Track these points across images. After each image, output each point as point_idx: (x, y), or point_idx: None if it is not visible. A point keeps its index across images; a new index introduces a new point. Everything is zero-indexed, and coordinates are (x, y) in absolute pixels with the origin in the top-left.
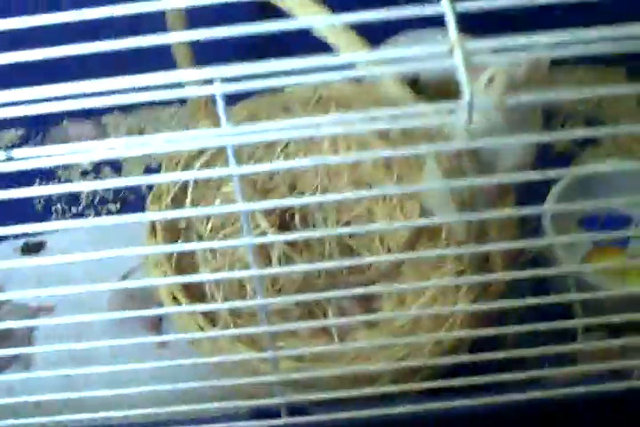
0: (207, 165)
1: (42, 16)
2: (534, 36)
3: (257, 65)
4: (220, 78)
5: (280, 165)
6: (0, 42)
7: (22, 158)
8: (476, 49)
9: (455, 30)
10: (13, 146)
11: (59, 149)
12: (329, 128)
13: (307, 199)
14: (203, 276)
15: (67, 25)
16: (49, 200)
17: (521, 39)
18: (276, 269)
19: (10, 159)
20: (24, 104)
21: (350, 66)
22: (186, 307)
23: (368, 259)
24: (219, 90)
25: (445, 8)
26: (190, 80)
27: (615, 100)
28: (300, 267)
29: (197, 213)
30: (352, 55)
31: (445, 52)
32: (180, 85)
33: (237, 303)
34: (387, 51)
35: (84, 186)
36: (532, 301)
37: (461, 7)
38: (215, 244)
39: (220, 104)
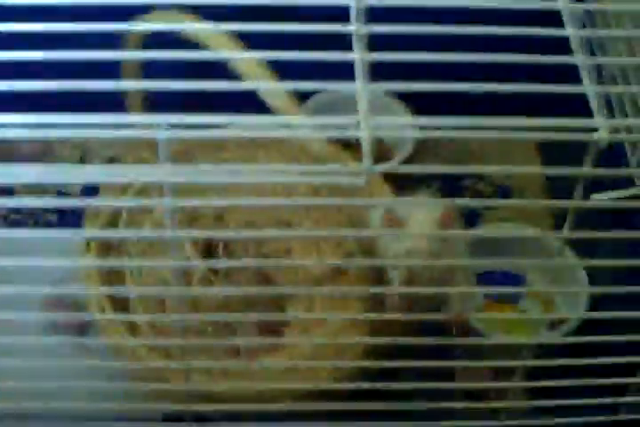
0: (143, 190)
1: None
2: (437, 119)
3: (198, 117)
4: (165, 125)
5: (209, 202)
6: None
7: None
8: (380, 124)
9: (365, 105)
10: None
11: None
12: (253, 177)
13: (229, 234)
14: (128, 290)
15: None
16: None
17: (422, 120)
18: (196, 292)
19: None
20: None
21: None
22: (109, 315)
23: (279, 289)
24: (163, 136)
25: (358, 86)
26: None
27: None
28: (217, 290)
29: (129, 234)
30: (283, 118)
31: (354, 123)
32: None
33: (156, 316)
34: (310, 118)
35: (21, 202)
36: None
37: (374, 85)
38: (143, 264)
39: (162, 148)
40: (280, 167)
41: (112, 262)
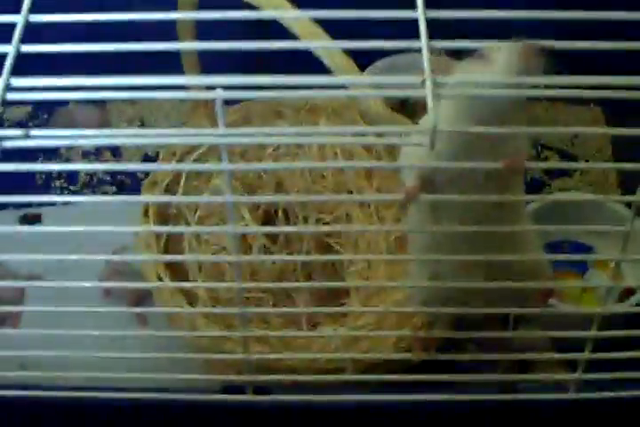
0: (201, 158)
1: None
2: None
3: (255, 78)
4: (222, 86)
5: (267, 166)
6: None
7: (38, 137)
8: (444, 83)
9: (428, 65)
10: (21, 122)
11: (68, 133)
12: (313, 138)
13: (288, 197)
14: (185, 257)
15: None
16: (49, 177)
17: (487, 76)
18: (253, 257)
19: (27, 137)
20: (39, 90)
21: (339, 86)
22: (167, 283)
23: (341, 256)
24: (219, 96)
25: (422, 43)
26: (194, 84)
27: (588, 137)
28: (276, 257)
29: (188, 200)
30: (341, 78)
31: (418, 83)
32: (183, 87)
33: (214, 284)
34: (369, 78)
35: (84, 166)
36: (488, 310)
37: (438, 44)
38: (201, 229)
39: (219, 109)
40: (340, 129)
41: (170, 229)
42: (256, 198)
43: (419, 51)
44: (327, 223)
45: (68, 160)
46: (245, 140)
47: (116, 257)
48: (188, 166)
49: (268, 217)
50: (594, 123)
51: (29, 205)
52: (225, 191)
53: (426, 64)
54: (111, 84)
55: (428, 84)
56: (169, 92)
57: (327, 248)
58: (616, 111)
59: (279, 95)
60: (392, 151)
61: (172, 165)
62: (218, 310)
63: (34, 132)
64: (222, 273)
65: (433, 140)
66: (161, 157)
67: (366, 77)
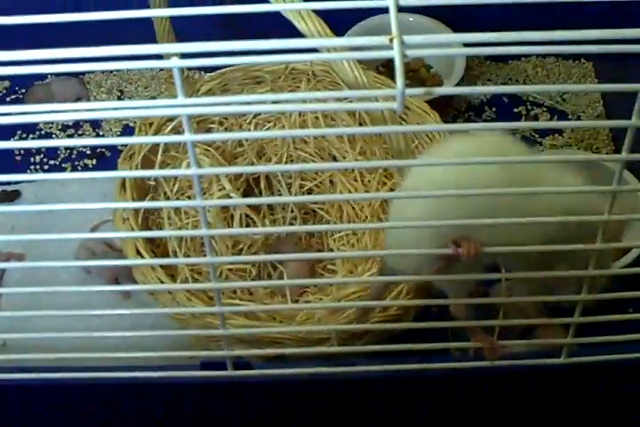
0: (176, 129)
1: None
2: (468, 35)
3: (218, 44)
4: (178, 54)
5: (229, 135)
6: None
7: (5, 114)
8: (413, 43)
9: (395, 24)
10: None
11: (41, 108)
12: (280, 106)
13: (265, 168)
14: (161, 233)
15: None
16: (28, 152)
17: (454, 37)
18: (227, 231)
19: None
20: (12, 65)
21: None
22: (146, 260)
23: (321, 226)
24: (175, 64)
25: (389, 2)
26: (162, 53)
27: (579, 93)
28: (252, 230)
29: (159, 174)
30: (309, 41)
31: (386, 43)
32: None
33: (189, 260)
34: (336, 39)
35: (60, 142)
36: (476, 276)
37: (404, 1)
38: (172, 204)
39: (177, 77)
40: (313, 95)
41: (142, 204)
42: (226, 170)
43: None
44: (310, 189)
45: (47, 134)
46: (206, 109)
47: (92, 235)
48: (152, 139)
49: (251, 185)
50: (584, 78)
51: (8, 182)
52: (200, 162)
53: (393, 23)
54: (77, 55)
55: (396, 43)
56: (132, 61)
57: (312, 214)
58: (606, 65)
59: (245, 61)
60: (371, 115)
61: (138, 139)
62: (193, 285)
63: (3, 108)
64: (204, 244)
65: (402, 103)
66: (137, 128)
67: (334, 39)
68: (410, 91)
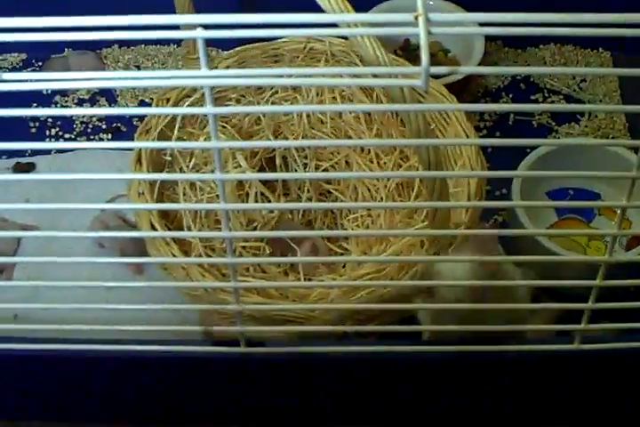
0: (193, 105)
1: None
2: (492, 15)
3: (242, 16)
4: (204, 24)
5: (251, 108)
6: None
7: (16, 80)
8: (438, 21)
9: (422, 2)
10: (14, 69)
11: (53, 75)
12: (304, 80)
13: (279, 143)
14: (177, 205)
15: None
16: (44, 125)
17: (479, 16)
18: (241, 205)
19: (2, 81)
20: (30, 31)
21: (331, 25)
22: (160, 233)
23: (337, 204)
24: (200, 35)
25: None
26: (184, 24)
27: (597, 82)
28: (267, 205)
29: (177, 145)
30: (331, 16)
31: (411, 20)
32: (176, 28)
33: (204, 234)
34: (360, 15)
35: (75, 111)
36: (486, 258)
37: None
38: (189, 177)
39: (201, 48)
40: (333, 70)
41: (159, 176)
42: (246, 144)
43: None
44: (326, 170)
45: (63, 107)
46: (229, 81)
47: (107, 206)
48: (173, 110)
49: (266, 164)
50: (602, 67)
51: (23, 154)
52: (212, 136)
53: (419, 1)
54: (93, 24)
55: (421, 20)
56: (154, 31)
57: (326, 195)
58: (625, 55)
59: (266, 33)
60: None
61: (160, 109)
62: (208, 259)
63: (5, 75)
64: (217, 221)
65: (426, 81)
66: (154, 103)
67: (359, 15)
68: (434, 68)
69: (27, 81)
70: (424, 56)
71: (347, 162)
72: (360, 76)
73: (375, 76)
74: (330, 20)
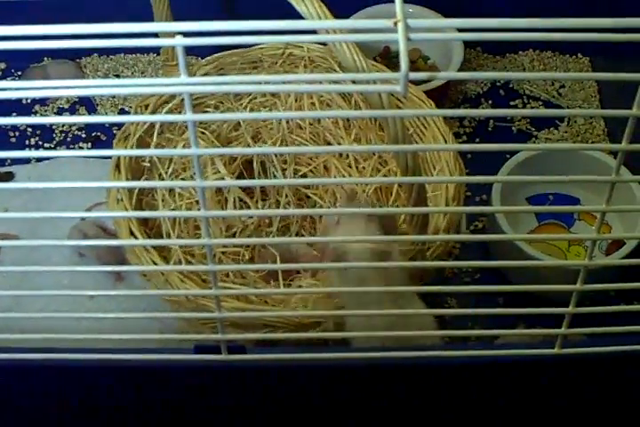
0: (171, 111)
1: None
2: (471, 20)
3: (221, 23)
4: (183, 32)
5: (231, 115)
6: None
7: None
8: (417, 27)
9: (401, 8)
10: None
11: (26, 84)
12: (283, 86)
13: (262, 149)
14: (157, 213)
15: None
16: (23, 134)
17: (457, 22)
18: (225, 213)
19: None
20: (8, 40)
21: (311, 31)
22: (140, 241)
23: (317, 210)
24: (180, 43)
25: None
26: (162, 31)
27: (575, 88)
28: (247, 212)
29: (156, 153)
30: (312, 22)
31: (390, 26)
32: (154, 36)
33: (185, 241)
34: (340, 21)
35: (54, 119)
36: (465, 264)
37: None
38: (169, 184)
39: (181, 56)
40: (313, 76)
41: (138, 183)
42: (226, 150)
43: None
44: (305, 175)
45: (42, 117)
46: (208, 88)
47: (87, 214)
48: (153, 117)
49: (245, 168)
50: (581, 73)
51: (2, 164)
52: (191, 143)
53: (398, 7)
54: (74, 31)
55: (400, 26)
56: (133, 39)
57: (305, 199)
58: (604, 61)
59: (245, 40)
60: (369, 100)
61: (139, 117)
62: (188, 267)
63: None
64: (197, 226)
65: (406, 86)
66: (133, 110)
67: (337, 21)
68: (413, 74)
69: (7, 89)
70: (403, 61)
71: (325, 167)
72: (339, 82)
73: (354, 82)
74: (309, 26)
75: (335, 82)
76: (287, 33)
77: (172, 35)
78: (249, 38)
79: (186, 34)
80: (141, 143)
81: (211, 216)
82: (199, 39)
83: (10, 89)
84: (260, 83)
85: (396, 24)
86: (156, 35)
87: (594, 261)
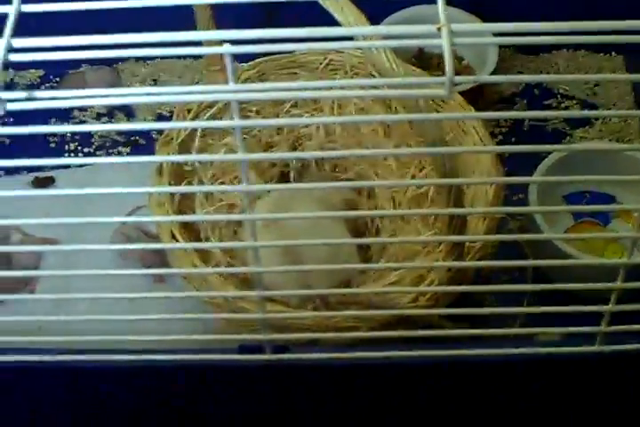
0: (214, 116)
1: None
2: (513, 24)
3: (265, 31)
4: (231, 40)
5: (279, 121)
6: None
7: (42, 99)
8: (461, 31)
9: (443, 13)
10: (32, 85)
11: (76, 93)
12: (328, 92)
13: (302, 154)
14: (200, 216)
15: None
16: (63, 140)
17: (503, 26)
18: (267, 215)
19: (31, 99)
20: (51, 50)
21: (350, 38)
22: (181, 244)
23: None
24: (228, 50)
25: None
26: (207, 39)
27: (610, 86)
28: (290, 215)
29: (201, 158)
30: (353, 29)
31: (434, 31)
32: (198, 44)
33: (231, 244)
34: (381, 27)
35: (96, 127)
36: (504, 264)
37: None
38: (214, 188)
39: (229, 64)
40: (355, 82)
41: (182, 188)
42: (273, 155)
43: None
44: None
45: (81, 122)
46: (256, 95)
47: (127, 219)
48: (199, 124)
49: (283, 176)
50: (615, 71)
51: (42, 168)
52: (238, 149)
53: (441, 12)
54: (119, 41)
55: (445, 32)
56: (179, 48)
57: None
58: (637, 59)
59: (289, 48)
60: (408, 107)
61: (185, 123)
62: (235, 269)
63: (38, 93)
64: (235, 230)
65: (451, 90)
66: (175, 115)
67: (377, 27)
68: (459, 78)
69: (59, 99)
70: (448, 67)
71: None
72: (380, 87)
73: (397, 87)
74: (351, 33)
75: (376, 87)
76: (327, 40)
77: (216, 42)
78: (292, 46)
79: (231, 41)
80: (184, 148)
81: (256, 219)
82: (245, 47)
83: (61, 98)
84: (308, 89)
85: (439, 29)
86: (199, 42)
87: (634, 260)
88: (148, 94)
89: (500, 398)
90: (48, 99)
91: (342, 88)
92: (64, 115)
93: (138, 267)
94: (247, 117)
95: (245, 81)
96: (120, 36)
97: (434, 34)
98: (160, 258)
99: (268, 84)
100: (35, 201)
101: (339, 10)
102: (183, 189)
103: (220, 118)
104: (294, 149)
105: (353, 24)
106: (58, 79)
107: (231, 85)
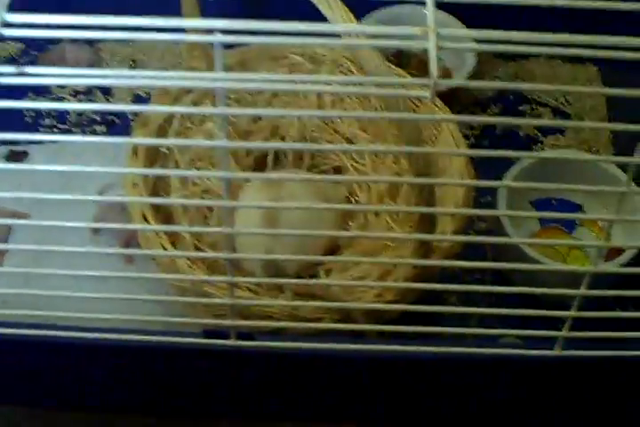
0: (195, 101)
1: None
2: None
3: (254, 22)
4: (220, 30)
5: (263, 111)
6: None
7: (33, 75)
8: (448, 36)
9: (432, 16)
10: (13, 59)
11: (64, 71)
12: (312, 85)
13: (284, 144)
14: (174, 200)
15: None
16: (38, 115)
17: (490, 33)
18: (244, 203)
19: (21, 74)
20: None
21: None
22: (161, 227)
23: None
24: (217, 40)
25: None
26: (191, 27)
27: (584, 96)
28: (263, 204)
29: (180, 143)
30: (340, 26)
31: (421, 34)
32: (182, 30)
33: (204, 229)
34: (370, 27)
35: (74, 106)
36: (466, 264)
37: None
38: (191, 173)
39: (218, 53)
40: (341, 79)
41: (159, 171)
42: (254, 144)
43: (421, 3)
44: (321, 173)
45: (58, 98)
46: (242, 85)
47: (101, 198)
48: (183, 109)
49: (259, 164)
50: (590, 82)
51: (17, 142)
52: (218, 135)
53: (430, 15)
54: (108, 23)
55: (432, 36)
56: (167, 34)
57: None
58: (612, 70)
59: (276, 41)
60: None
61: (169, 108)
62: (206, 254)
63: (28, 69)
64: (205, 216)
65: (434, 93)
66: (153, 97)
67: (365, 26)
68: (442, 81)
69: (48, 76)
70: (433, 70)
71: (340, 167)
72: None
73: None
74: (338, 31)
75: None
76: (313, 35)
77: (202, 30)
78: (280, 39)
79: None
80: (161, 131)
81: (234, 206)
82: (235, 37)
83: (50, 76)
84: (293, 82)
85: (426, 33)
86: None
87: (600, 268)
88: (133, 77)
89: (459, 396)
90: (38, 75)
91: (326, 83)
92: (42, 90)
93: (112, 241)
94: (227, 105)
95: (227, 68)
96: (108, 18)
97: (421, 36)
98: (134, 236)
99: (254, 75)
100: (7, 174)
101: (326, 6)
102: (160, 171)
103: (201, 103)
104: (273, 136)
105: (339, 21)
106: (36, 53)
107: (219, 74)
